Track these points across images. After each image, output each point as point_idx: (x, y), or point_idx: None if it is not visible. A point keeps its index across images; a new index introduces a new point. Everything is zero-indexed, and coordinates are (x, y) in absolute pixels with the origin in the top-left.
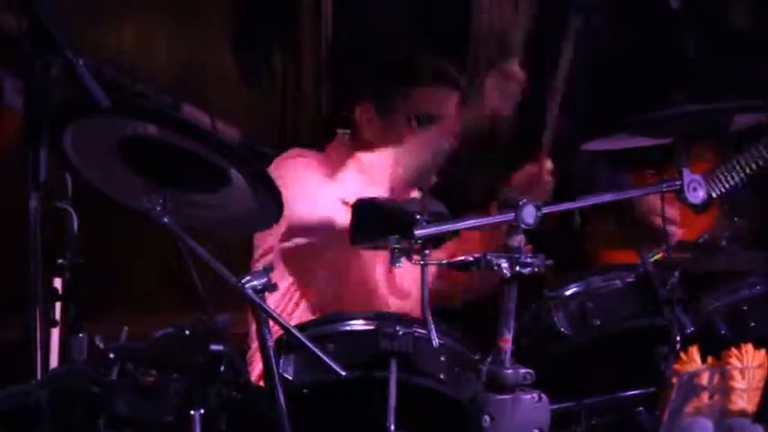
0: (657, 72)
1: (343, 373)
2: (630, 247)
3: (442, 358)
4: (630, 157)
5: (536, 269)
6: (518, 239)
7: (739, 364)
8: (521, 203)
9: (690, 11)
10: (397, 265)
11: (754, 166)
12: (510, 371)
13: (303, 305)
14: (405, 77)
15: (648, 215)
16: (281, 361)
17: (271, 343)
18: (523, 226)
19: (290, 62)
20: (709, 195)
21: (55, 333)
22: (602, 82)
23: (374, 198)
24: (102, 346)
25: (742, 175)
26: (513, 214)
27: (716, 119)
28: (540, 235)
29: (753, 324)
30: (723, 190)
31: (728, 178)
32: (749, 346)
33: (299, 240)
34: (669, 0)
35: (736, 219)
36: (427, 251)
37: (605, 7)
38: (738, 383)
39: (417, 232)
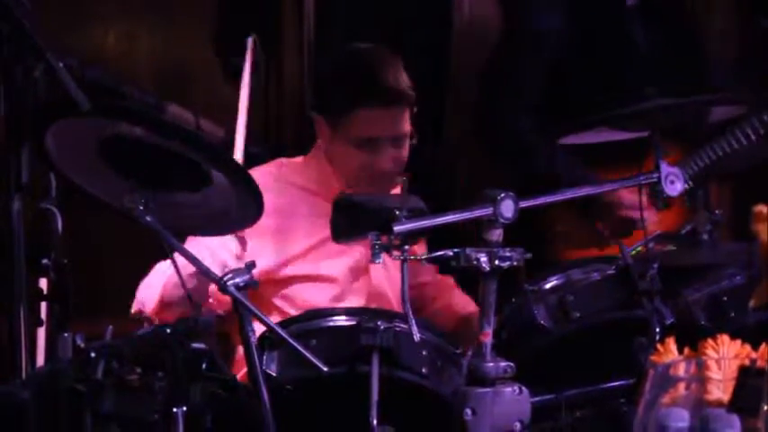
0: (613, 69)
1: (326, 369)
2: (596, 244)
3: (424, 352)
4: (600, 154)
5: (515, 263)
6: (497, 233)
7: (715, 355)
8: (499, 197)
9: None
10: (377, 260)
11: (719, 154)
12: (490, 364)
13: None
14: (346, 97)
15: (618, 210)
16: (265, 357)
17: (254, 339)
18: (502, 220)
19: (273, 60)
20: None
21: (41, 333)
22: (560, 81)
23: (353, 194)
24: (82, 345)
25: (705, 166)
26: (491, 208)
27: (694, 112)
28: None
29: (732, 314)
30: (690, 183)
31: (694, 170)
32: (725, 337)
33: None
34: None
35: (717, 211)
36: (407, 246)
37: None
38: (714, 374)
39: (396, 228)
